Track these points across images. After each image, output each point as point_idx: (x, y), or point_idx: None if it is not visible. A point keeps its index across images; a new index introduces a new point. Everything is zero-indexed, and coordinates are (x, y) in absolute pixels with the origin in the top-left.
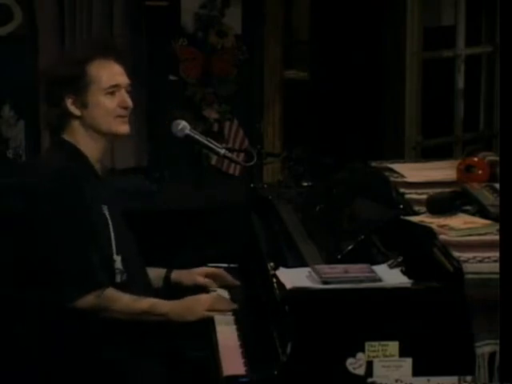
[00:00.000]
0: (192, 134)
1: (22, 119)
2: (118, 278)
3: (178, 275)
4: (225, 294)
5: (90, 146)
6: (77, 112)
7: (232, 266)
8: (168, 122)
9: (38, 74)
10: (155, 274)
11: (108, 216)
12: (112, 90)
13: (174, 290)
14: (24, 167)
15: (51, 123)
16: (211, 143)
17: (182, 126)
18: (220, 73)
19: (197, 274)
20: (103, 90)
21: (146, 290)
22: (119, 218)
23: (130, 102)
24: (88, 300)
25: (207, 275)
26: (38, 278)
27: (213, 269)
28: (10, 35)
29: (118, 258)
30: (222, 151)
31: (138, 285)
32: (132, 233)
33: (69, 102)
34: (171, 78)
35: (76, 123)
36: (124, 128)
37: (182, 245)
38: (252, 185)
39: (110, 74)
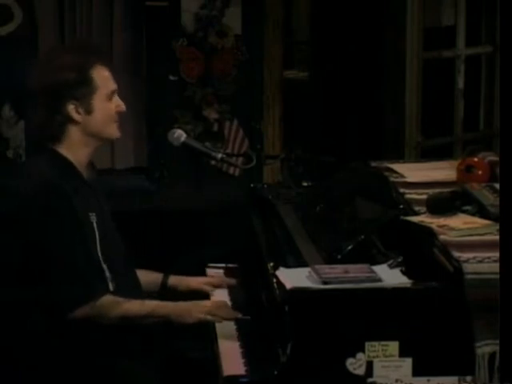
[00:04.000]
0: (188, 142)
1: (21, 119)
2: (110, 287)
3: (174, 281)
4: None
5: (79, 153)
6: (79, 118)
7: (232, 265)
8: (167, 124)
9: (36, 78)
10: (152, 277)
11: (95, 224)
12: (111, 96)
13: (169, 295)
14: (13, 174)
15: (51, 131)
16: (208, 148)
17: (178, 135)
18: (220, 73)
19: (193, 282)
20: (106, 95)
21: (135, 296)
22: (107, 224)
23: (124, 107)
24: (85, 310)
25: (205, 284)
26: (35, 283)
27: (209, 279)
28: (10, 35)
29: (105, 267)
30: (219, 156)
31: (126, 291)
32: (120, 237)
33: (71, 109)
34: (171, 78)
35: (74, 130)
36: (118, 132)
37: (181, 245)
38: (252, 185)
39: (108, 78)
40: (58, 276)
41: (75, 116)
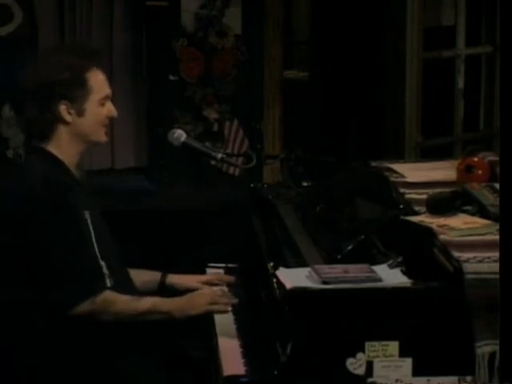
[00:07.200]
0: (188, 142)
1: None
2: (108, 283)
3: (172, 280)
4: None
5: (68, 153)
6: (69, 119)
7: (232, 265)
8: (167, 124)
9: (31, 76)
10: (150, 276)
11: (89, 221)
12: (105, 100)
13: (168, 293)
14: (7, 174)
15: (40, 129)
16: (208, 148)
17: (178, 135)
18: (220, 73)
19: (192, 281)
20: (99, 99)
21: (131, 292)
22: (99, 222)
23: (116, 113)
24: (86, 306)
25: (203, 283)
26: (36, 282)
27: (208, 277)
28: (10, 35)
29: (103, 263)
30: (219, 156)
31: (122, 289)
32: (111, 234)
33: (62, 109)
34: (171, 78)
35: (63, 129)
36: (106, 138)
37: (181, 245)
38: (252, 185)
39: (103, 83)
40: (58, 273)
41: (66, 116)
